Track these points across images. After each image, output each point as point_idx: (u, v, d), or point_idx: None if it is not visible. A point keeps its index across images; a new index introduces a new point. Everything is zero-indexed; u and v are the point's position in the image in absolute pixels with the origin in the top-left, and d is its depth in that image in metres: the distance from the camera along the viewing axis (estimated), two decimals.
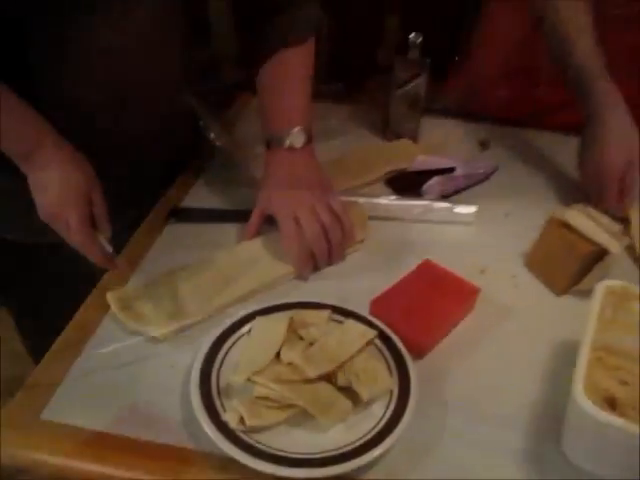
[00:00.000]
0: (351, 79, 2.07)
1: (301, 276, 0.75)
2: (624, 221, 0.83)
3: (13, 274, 0.95)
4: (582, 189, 0.91)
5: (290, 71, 0.83)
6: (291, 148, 0.78)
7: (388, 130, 1.07)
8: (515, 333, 0.69)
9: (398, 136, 1.06)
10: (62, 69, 0.72)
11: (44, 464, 0.54)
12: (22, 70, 0.69)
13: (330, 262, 0.77)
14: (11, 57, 0.67)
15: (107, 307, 0.68)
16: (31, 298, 0.98)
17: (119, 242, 0.74)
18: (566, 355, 0.65)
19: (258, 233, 0.80)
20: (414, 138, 1.06)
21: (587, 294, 0.72)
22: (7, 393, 0.62)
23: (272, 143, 0.80)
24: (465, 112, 1.16)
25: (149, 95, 0.82)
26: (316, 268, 0.76)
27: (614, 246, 0.69)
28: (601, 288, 0.61)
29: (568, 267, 0.73)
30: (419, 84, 1.00)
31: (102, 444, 0.55)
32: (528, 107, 1.12)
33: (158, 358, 0.63)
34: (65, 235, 0.68)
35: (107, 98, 0.77)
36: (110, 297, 0.68)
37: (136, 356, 0.64)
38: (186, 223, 0.83)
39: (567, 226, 0.73)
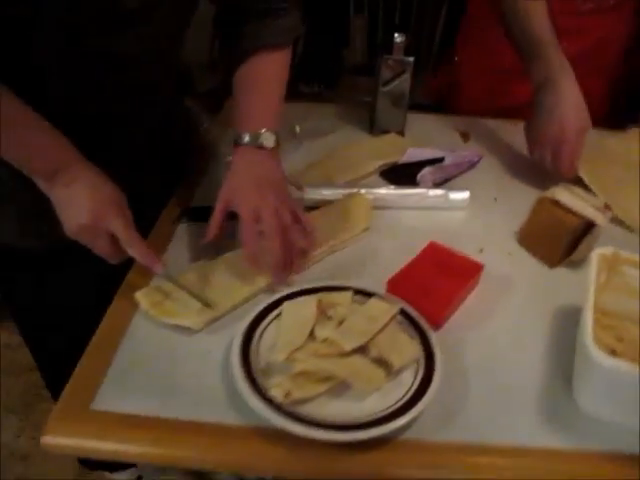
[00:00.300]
0: (323, 79, 2.14)
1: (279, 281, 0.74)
2: (578, 183, 0.89)
3: (20, 284, 0.96)
4: (532, 154, 0.97)
5: (265, 74, 0.85)
6: (261, 147, 0.79)
7: (375, 126, 1.13)
8: (518, 303, 0.75)
9: (385, 131, 1.12)
10: (65, 73, 0.73)
11: (101, 451, 0.57)
12: (26, 73, 0.70)
13: (292, 268, 0.75)
14: (14, 58, 0.67)
15: (136, 305, 0.71)
16: (40, 309, 0.99)
17: None
18: (566, 319, 0.72)
19: (221, 232, 0.77)
20: (400, 132, 1.12)
21: (577, 265, 0.80)
22: None
23: (243, 140, 0.80)
24: (446, 106, 1.23)
25: (151, 101, 0.86)
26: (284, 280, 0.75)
27: (600, 218, 0.76)
28: (595, 255, 0.68)
29: (558, 241, 0.80)
30: (404, 81, 1.06)
31: (154, 427, 0.58)
32: (505, 102, 1.20)
33: (194, 346, 0.67)
34: (98, 246, 0.70)
35: (110, 104, 0.79)
36: (139, 296, 0.71)
37: (172, 346, 0.67)
38: (198, 222, 0.86)
39: (556, 203, 0.80)
